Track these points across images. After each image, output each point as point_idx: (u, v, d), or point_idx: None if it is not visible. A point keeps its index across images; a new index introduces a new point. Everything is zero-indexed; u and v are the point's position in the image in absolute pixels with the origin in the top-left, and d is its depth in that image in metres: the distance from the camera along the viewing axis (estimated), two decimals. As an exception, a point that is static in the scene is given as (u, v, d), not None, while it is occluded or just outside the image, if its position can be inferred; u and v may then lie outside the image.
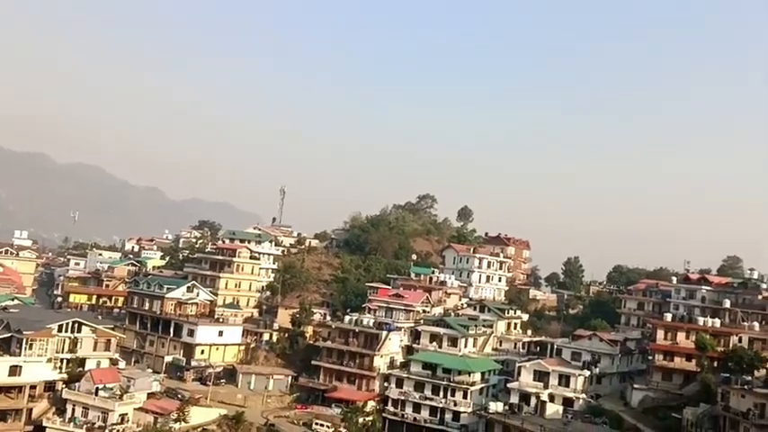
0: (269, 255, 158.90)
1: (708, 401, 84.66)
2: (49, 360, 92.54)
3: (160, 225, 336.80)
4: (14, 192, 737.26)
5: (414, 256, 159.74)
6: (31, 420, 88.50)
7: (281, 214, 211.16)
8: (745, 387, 77.94)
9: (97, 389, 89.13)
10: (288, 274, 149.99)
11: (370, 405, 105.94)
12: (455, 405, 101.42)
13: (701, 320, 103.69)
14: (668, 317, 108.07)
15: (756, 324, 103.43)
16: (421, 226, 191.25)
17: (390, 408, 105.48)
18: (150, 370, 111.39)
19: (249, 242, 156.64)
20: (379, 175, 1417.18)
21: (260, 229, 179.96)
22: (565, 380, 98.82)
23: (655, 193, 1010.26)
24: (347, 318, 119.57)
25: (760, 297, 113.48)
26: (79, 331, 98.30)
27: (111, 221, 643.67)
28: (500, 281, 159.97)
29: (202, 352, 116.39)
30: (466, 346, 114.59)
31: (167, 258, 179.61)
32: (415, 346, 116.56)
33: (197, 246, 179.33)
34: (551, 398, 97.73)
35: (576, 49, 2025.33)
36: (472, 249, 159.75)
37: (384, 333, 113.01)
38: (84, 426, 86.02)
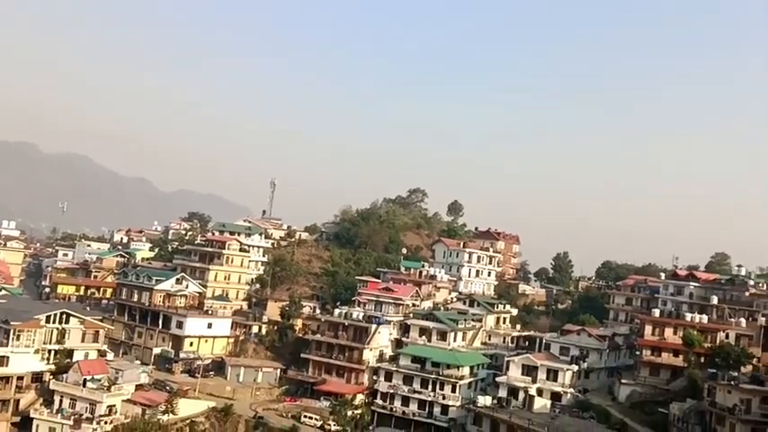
0: (259, 247, 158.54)
1: (694, 397, 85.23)
2: (37, 351, 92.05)
3: (149, 216, 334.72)
4: (1, 181, 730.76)
5: (404, 250, 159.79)
6: (19, 411, 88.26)
7: (272, 207, 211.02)
8: (732, 383, 78.32)
9: (85, 380, 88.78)
10: (277, 266, 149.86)
11: (359, 398, 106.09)
12: (444, 399, 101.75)
13: (688, 316, 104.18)
14: (656, 313, 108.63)
15: (743, 320, 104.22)
16: (411, 220, 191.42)
17: (379, 401, 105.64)
18: (139, 362, 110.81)
19: (239, 234, 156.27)
20: (369, 170, 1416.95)
21: (250, 222, 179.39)
22: (553, 374, 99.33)
23: (644, 192, 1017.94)
24: (337, 311, 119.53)
25: (747, 294, 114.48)
26: (67, 322, 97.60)
27: (99, 212, 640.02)
28: (489, 275, 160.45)
29: (191, 344, 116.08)
30: (455, 340, 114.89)
31: (156, 250, 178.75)
32: (404, 339, 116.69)
33: (186, 237, 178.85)
34: (539, 392, 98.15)
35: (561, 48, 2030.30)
36: (462, 244, 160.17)
37: (373, 326, 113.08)
38: (72, 417, 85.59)
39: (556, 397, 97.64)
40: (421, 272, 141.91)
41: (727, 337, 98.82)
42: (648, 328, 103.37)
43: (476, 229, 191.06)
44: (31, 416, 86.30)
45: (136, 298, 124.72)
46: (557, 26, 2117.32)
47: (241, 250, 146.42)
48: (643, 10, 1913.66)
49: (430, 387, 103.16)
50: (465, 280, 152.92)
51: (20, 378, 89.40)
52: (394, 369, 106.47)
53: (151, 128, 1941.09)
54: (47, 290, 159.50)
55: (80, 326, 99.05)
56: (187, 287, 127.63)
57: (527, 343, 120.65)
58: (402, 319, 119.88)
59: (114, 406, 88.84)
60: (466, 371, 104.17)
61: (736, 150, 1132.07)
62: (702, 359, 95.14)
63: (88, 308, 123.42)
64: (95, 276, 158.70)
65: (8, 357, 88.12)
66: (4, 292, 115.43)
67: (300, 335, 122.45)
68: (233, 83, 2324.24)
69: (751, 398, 74.15)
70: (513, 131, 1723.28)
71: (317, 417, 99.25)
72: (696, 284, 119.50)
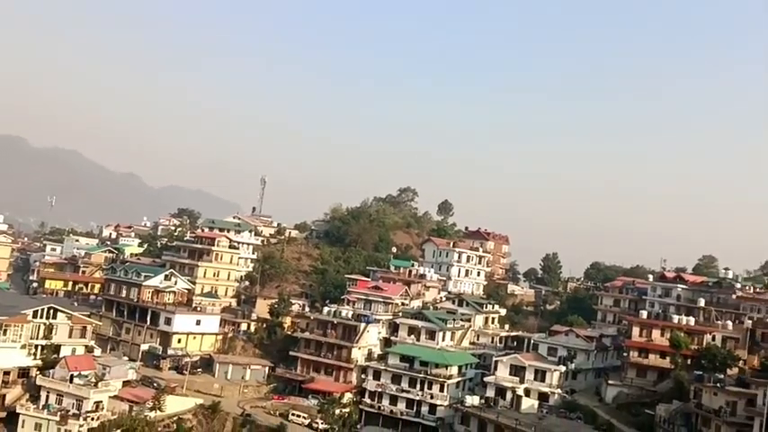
0: (248, 244, 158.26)
1: (681, 399, 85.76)
2: (24, 346, 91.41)
3: (138, 212, 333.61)
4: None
5: (394, 249, 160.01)
6: (5, 406, 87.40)
7: (262, 204, 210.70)
8: (718, 385, 78.84)
9: (72, 376, 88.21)
10: (267, 264, 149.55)
11: (348, 397, 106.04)
12: (432, 398, 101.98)
13: (675, 318, 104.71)
14: (644, 314, 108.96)
15: (730, 323, 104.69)
16: (401, 219, 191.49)
17: (367, 399, 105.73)
18: (126, 358, 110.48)
19: (228, 231, 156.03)
20: (369, 170, 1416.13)
21: (240, 219, 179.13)
22: (541, 375, 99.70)
23: (634, 193, 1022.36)
24: (326, 309, 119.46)
25: (734, 296, 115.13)
26: (54, 317, 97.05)
27: (88, 207, 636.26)
28: (479, 275, 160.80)
29: (179, 341, 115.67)
30: (444, 340, 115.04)
31: (145, 246, 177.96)
32: (393, 338, 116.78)
33: (176, 234, 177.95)
34: (527, 392, 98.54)
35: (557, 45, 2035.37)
36: (452, 243, 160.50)
37: (362, 325, 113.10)
38: (59, 413, 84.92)
39: (543, 397, 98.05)
40: (410, 271, 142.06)
41: (713, 339, 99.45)
42: (636, 330, 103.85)
43: (466, 228, 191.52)
44: (17, 411, 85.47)
45: (124, 294, 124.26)
46: (557, 26, 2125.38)
47: (230, 247, 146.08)
48: (643, 10, 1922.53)
49: (418, 386, 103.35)
50: (454, 279, 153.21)
51: (6, 373, 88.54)
52: (382, 368, 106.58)
53: (141, 123, 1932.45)
54: (34, 285, 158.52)
55: (67, 321, 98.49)
56: (176, 283, 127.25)
57: (515, 343, 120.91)
58: (391, 317, 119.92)
59: (101, 402, 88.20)
60: (454, 370, 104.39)
61: (734, 152, 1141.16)
62: (689, 361, 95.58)
63: (76, 303, 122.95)
64: (83, 272, 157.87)
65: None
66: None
67: (289, 333, 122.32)
68: (228, 81, 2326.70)
69: (737, 400, 74.53)
70: (513, 131, 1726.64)
71: (305, 415, 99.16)
72: (684, 287, 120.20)
